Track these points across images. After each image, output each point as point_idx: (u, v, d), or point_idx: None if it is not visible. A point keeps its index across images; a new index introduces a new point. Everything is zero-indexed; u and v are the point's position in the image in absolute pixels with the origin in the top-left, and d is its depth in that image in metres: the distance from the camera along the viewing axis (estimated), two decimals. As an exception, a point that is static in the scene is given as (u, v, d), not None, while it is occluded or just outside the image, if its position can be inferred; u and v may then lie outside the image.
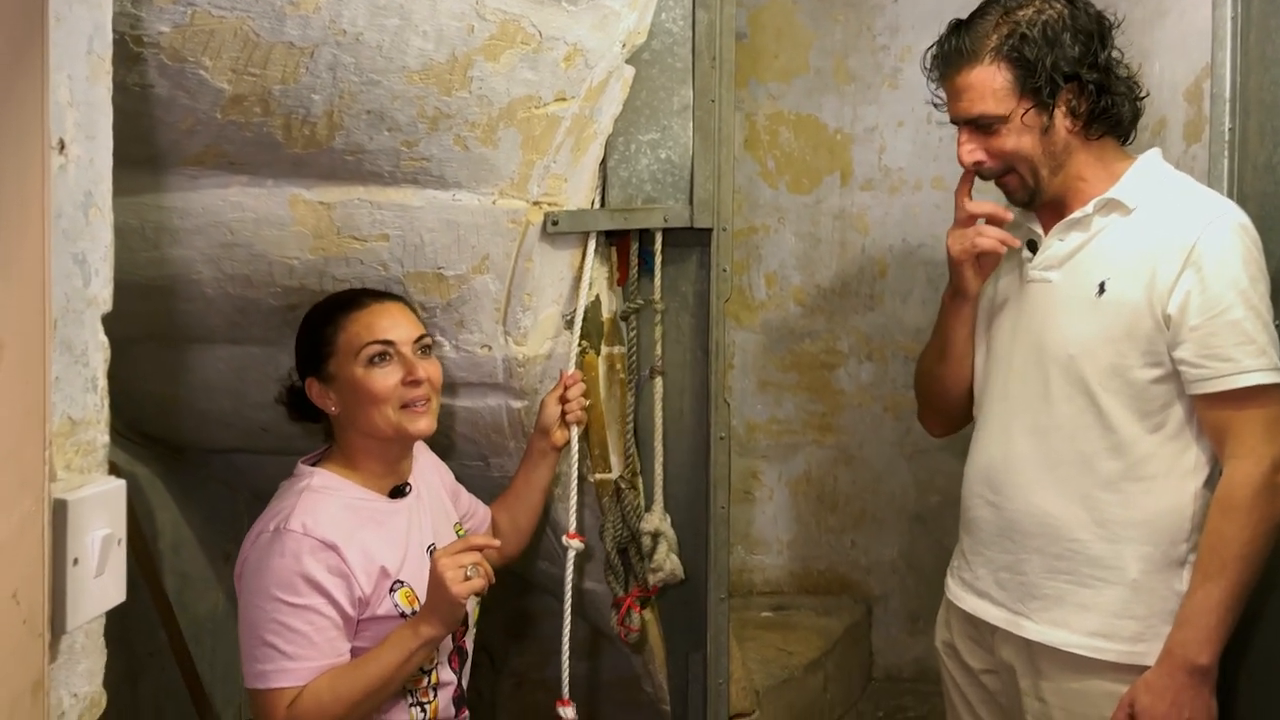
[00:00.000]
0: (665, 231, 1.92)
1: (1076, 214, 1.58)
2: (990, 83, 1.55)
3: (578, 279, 1.90)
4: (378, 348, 1.53)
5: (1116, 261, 1.53)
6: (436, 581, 1.40)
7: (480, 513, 1.83)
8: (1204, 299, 1.45)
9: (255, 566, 1.44)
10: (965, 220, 1.66)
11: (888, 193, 3.01)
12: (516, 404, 1.95)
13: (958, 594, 1.72)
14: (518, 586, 2.65)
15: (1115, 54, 1.59)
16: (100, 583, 0.83)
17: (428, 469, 1.71)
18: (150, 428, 2.25)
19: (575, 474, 1.87)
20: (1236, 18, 1.71)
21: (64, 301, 0.85)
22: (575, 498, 1.88)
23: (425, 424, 1.56)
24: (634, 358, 1.96)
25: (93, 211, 0.90)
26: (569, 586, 1.85)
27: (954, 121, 1.63)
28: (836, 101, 3.03)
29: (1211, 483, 1.50)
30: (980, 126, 1.58)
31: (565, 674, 1.83)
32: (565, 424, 1.84)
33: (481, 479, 2.06)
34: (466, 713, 1.62)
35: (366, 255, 1.73)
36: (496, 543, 1.49)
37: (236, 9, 1.28)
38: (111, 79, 0.93)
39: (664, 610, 2.05)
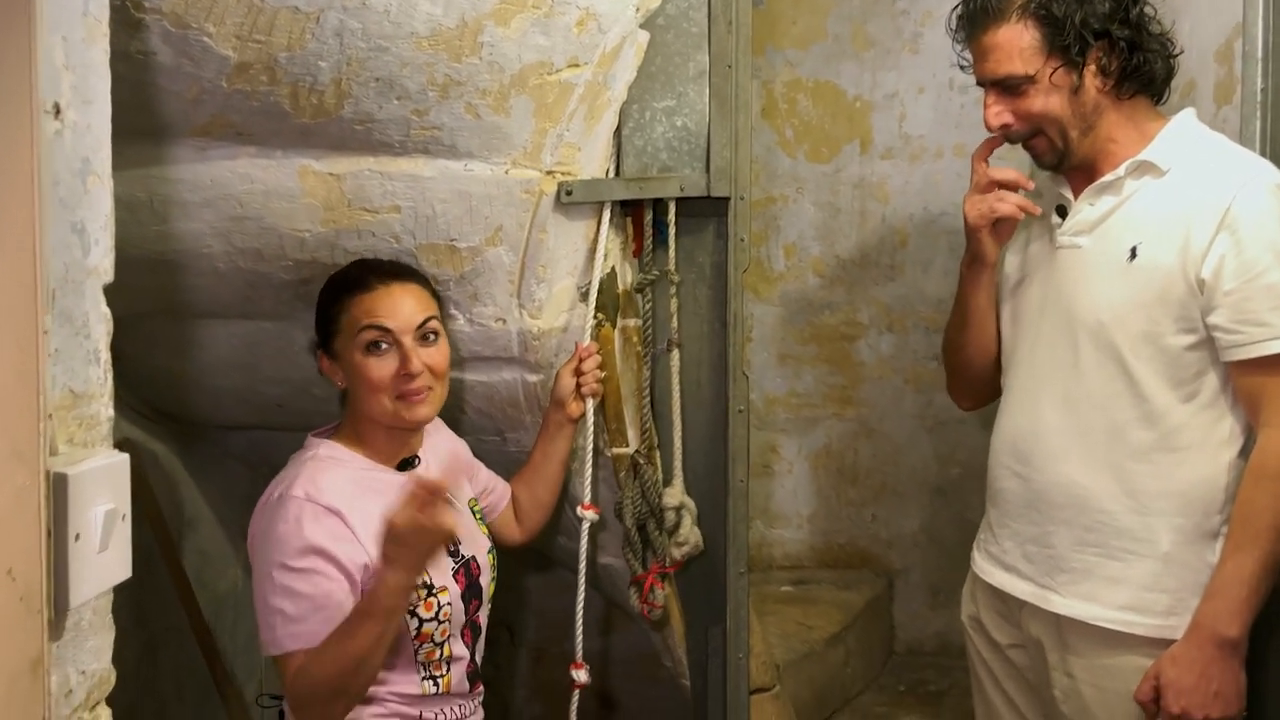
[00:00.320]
0: (681, 201, 1.88)
1: (1108, 177, 1.53)
2: (1017, 41, 1.50)
3: (593, 250, 1.86)
4: (374, 334, 1.48)
5: (1149, 225, 1.49)
6: (388, 526, 1.35)
7: (499, 488, 1.81)
8: (1239, 262, 1.41)
9: (261, 534, 1.44)
10: (984, 186, 1.61)
11: (908, 161, 2.97)
12: (532, 378, 1.93)
13: (984, 568, 1.68)
14: (537, 562, 2.64)
15: (1147, 9, 1.53)
16: (104, 559, 0.81)
17: (441, 445, 1.68)
18: (166, 405, 2.24)
19: (591, 446, 1.85)
20: (1269, -28, 1.65)
21: (62, 272, 0.83)
22: (590, 470, 1.86)
23: (423, 413, 1.52)
24: (650, 330, 1.93)
25: (91, 179, 0.88)
26: (584, 557, 1.83)
27: (980, 83, 1.58)
28: (855, 68, 2.98)
29: (1246, 453, 1.46)
30: (1007, 87, 1.53)
31: (578, 638, 1.84)
32: (580, 396, 1.81)
33: (498, 454, 2.04)
34: (481, 687, 1.61)
35: (378, 227, 1.70)
36: (443, 486, 1.36)
37: (239, -28, 1.25)
38: (109, 42, 0.90)
39: (683, 585, 2.03)
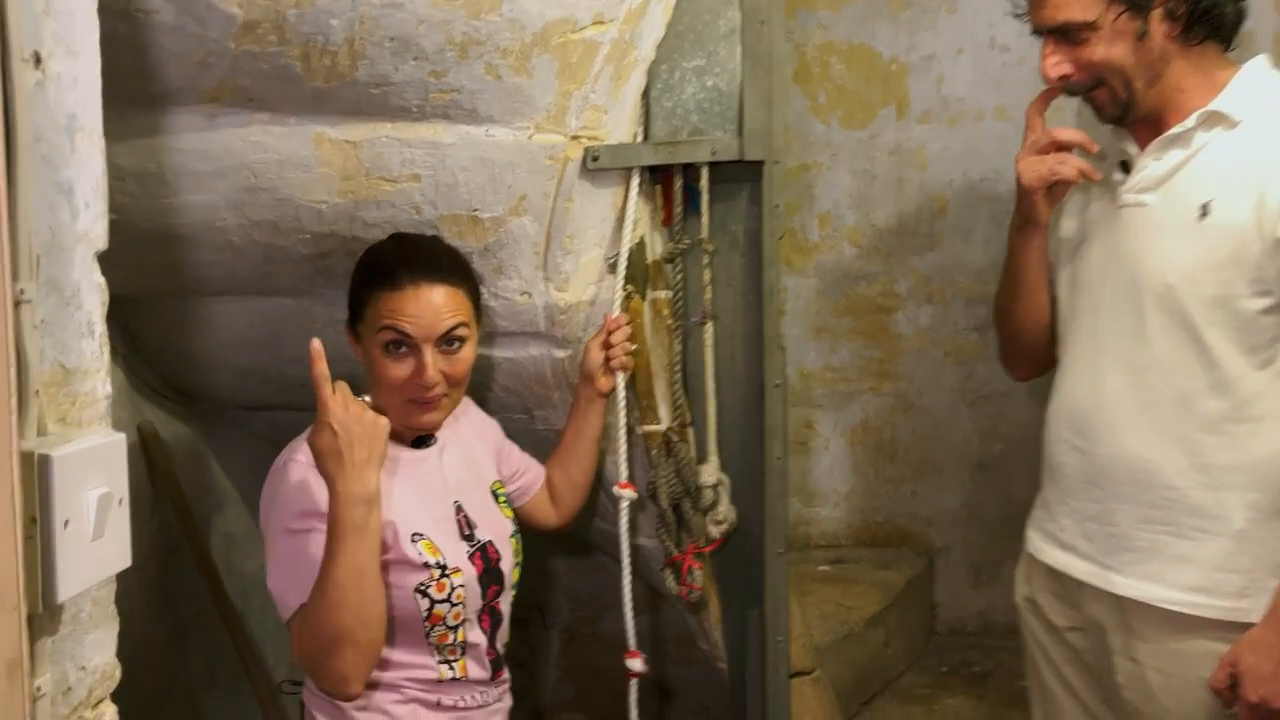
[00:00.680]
0: (713, 166, 1.79)
1: (1176, 129, 1.43)
2: None
3: (621, 219, 1.78)
4: (393, 335, 1.41)
5: (1221, 180, 1.39)
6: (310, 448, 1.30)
7: (533, 470, 1.76)
8: None
9: (268, 502, 1.40)
10: (1044, 146, 1.51)
11: (947, 125, 2.87)
12: (559, 354, 1.86)
13: (1040, 547, 1.60)
14: (568, 543, 2.59)
15: None
16: (100, 547, 0.74)
17: (465, 428, 1.62)
18: (188, 385, 2.19)
19: (623, 423, 1.77)
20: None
21: (48, 236, 0.76)
22: (625, 448, 1.79)
23: (431, 419, 1.46)
24: (682, 302, 1.85)
25: (79, 137, 0.81)
26: (625, 538, 1.77)
27: (1036, 31, 1.48)
28: (891, 29, 2.87)
29: (1327, 423, 1.37)
30: (1066, 35, 1.43)
31: (630, 625, 1.79)
32: (610, 371, 1.74)
33: (527, 433, 1.97)
34: (505, 674, 1.55)
35: (398, 197, 1.63)
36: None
37: (243, -77, 1.18)
38: (104, -2, 0.83)
39: (719, 566, 1.96)
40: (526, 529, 1.71)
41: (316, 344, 1.29)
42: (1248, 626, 1.38)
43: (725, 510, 1.83)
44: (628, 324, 1.76)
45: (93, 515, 0.72)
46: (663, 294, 1.88)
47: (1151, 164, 1.46)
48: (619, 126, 1.73)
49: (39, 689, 0.73)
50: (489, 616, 1.51)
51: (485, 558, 1.50)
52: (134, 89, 1.36)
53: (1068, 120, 1.58)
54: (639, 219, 1.80)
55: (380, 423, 1.31)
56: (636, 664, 1.78)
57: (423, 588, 1.41)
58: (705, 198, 1.80)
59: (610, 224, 1.79)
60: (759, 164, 1.78)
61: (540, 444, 1.86)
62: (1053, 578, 1.59)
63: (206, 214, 1.60)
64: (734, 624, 1.97)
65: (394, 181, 1.61)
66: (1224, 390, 1.39)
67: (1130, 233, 1.47)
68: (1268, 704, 1.33)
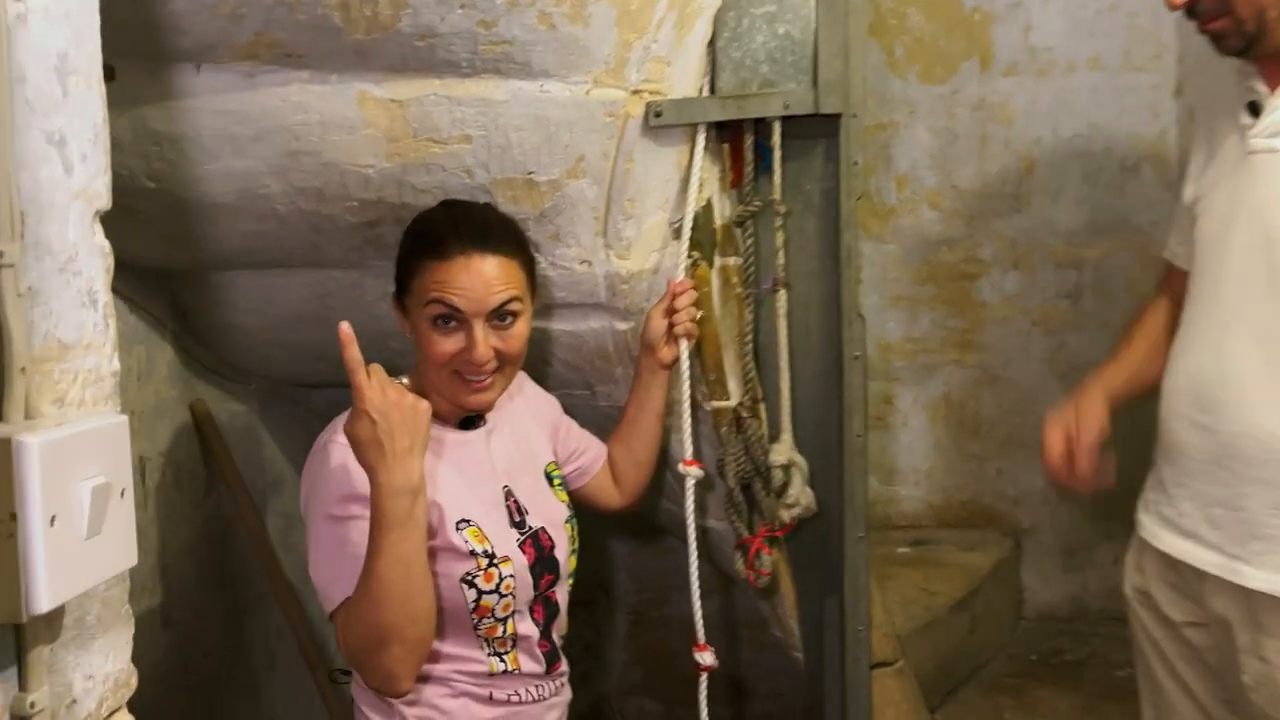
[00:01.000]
0: (786, 121, 1.67)
1: (1314, 64, 1.26)
2: None
3: (686, 180, 1.67)
4: (442, 309, 1.33)
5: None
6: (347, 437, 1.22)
7: (593, 450, 1.66)
8: None
9: (309, 486, 1.33)
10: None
11: (1035, 77, 2.71)
12: (621, 326, 1.75)
13: (1155, 533, 1.45)
14: (633, 522, 2.51)
15: None
16: (97, 545, 0.65)
17: (520, 406, 1.52)
18: (244, 362, 2.14)
19: (688, 395, 1.66)
20: None
21: (33, 191, 0.67)
22: (690, 423, 1.67)
23: (482, 399, 1.37)
24: (752, 268, 1.73)
25: (73, 80, 0.72)
26: (692, 518, 1.67)
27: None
28: (974, -26, 2.70)
29: None
30: None
31: (698, 614, 1.68)
32: (673, 340, 1.62)
33: (588, 409, 1.88)
34: (562, 666, 1.46)
35: (448, 160, 1.53)
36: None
37: None
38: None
39: (794, 550, 1.85)
40: (588, 511, 1.61)
41: (346, 327, 1.21)
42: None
43: (797, 493, 1.71)
44: (693, 288, 1.65)
45: (87, 509, 0.63)
46: (732, 260, 1.78)
47: (1286, 104, 1.29)
48: (683, 79, 1.62)
49: (33, 704, 0.64)
50: (542, 607, 1.42)
51: (537, 545, 1.41)
52: (164, 45, 1.28)
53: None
54: (705, 180, 1.69)
55: (421, 406, 1.22)
56: (706, 658, 1.67)
57: (469, 577, 1.33)
58: (777, 155, 1.69)
59: (674, 186, 1.69)
60: (835, 117, 1.66)
61: (603, 421, 1.76)
62: (1169, 567, 1.44)
63: (248, 181, 1.52)
64: (810, 611, 1.87)
65: (443, 143, 1.51)
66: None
67: (1261, 182, 1.31)
68: None
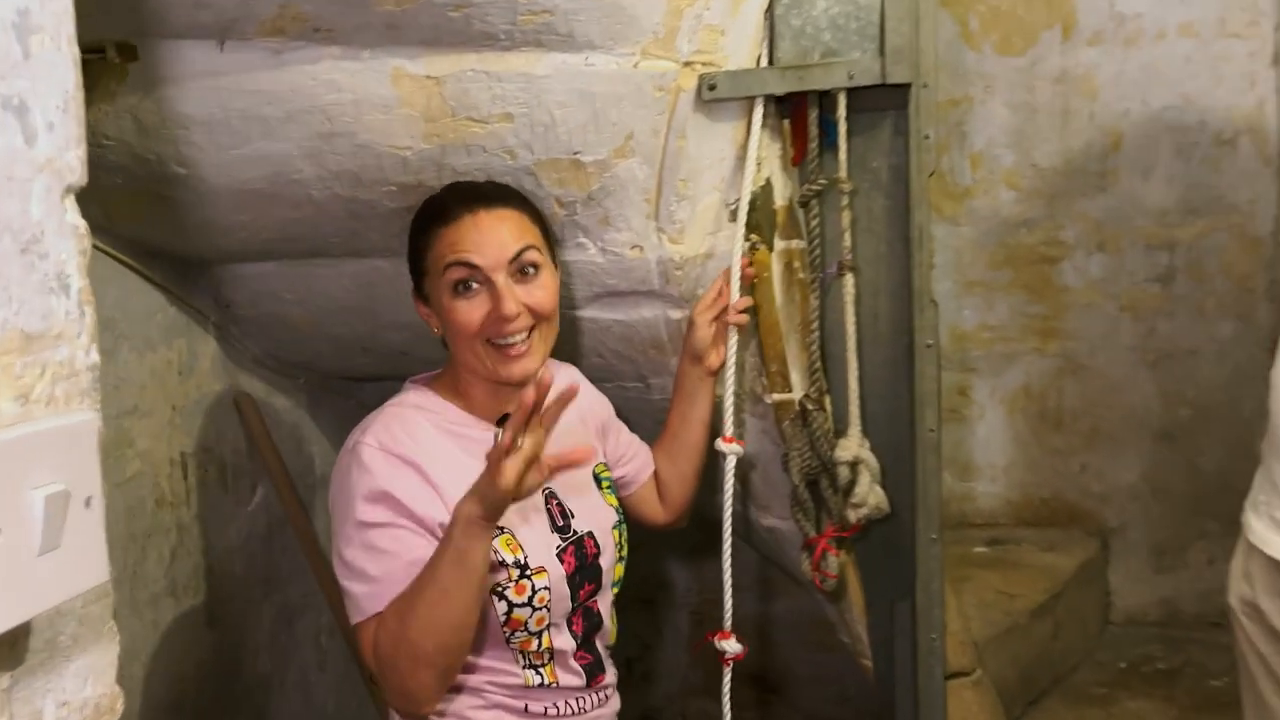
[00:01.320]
0: (851, 92, 1.56)
1: None
2: None
3: (742, 158, 1.58)
4: (461, 272, 1.28)
5: None
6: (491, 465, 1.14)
7: (641, 456, 1.58)
8: None
9: (337, 489, 1.28)
10: None
11: (1122, 46, 2.56)
12: (676, 314, 1.66)
13: (1266, 538, 1.32)
14: (694, 520, 2.43)
15: None
16: (55, 560, 0.58)
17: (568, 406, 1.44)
18: (291, 355, 2.10)
19: (732, 372, 1.56)
20: None
21: (-15, 163, 0.60)
22: (732, 398, 1.56)
23: (522, 368, 1.29)
24: (817, 252, 1.63)
25: (35, 39, 0.64)
26: (729, 501, 1.57)
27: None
28: (1054, -64, 2.56)
29: None
30: None
31: (728, 600, 1.59)
32: (722, 340, 1.54)
33: (642, 403, 1.79)
34: (607, 677, 1.38)
35: (489, 140, 1.45)
36: (578, 456, 1.22)
37: None
38: None
39: (863, 552, 1.75)
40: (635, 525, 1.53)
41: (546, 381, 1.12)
42: None
43: (864, 492, 1.60)
44: (749, 268, 1.56)
45: (41, 521, 0.56)
46: (794, 244, 1.69)
47: None
48: (739, 49, 1.54)
49: (-13, 740, 0.57)
50: (582, 619, 1.33)
51: (580, 553, 1.33)
52: (183, 21, 1.22)
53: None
54: (764, 157, 1.60)
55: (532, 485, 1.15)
56: (730, 645, 1.57)
57: (500, 589, 1.26)
58: (842, 129, 1.58)
59: (730, 164, 1.60)
60: (905, 88, 1.56)
61: (658, 414, 1.69)
62: (1283, 577, 1.30)
63: (281, 165, 1.46)
64: (880, 618, 1.77)
65: (484, 122, 1.44)
66: None
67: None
68: None
